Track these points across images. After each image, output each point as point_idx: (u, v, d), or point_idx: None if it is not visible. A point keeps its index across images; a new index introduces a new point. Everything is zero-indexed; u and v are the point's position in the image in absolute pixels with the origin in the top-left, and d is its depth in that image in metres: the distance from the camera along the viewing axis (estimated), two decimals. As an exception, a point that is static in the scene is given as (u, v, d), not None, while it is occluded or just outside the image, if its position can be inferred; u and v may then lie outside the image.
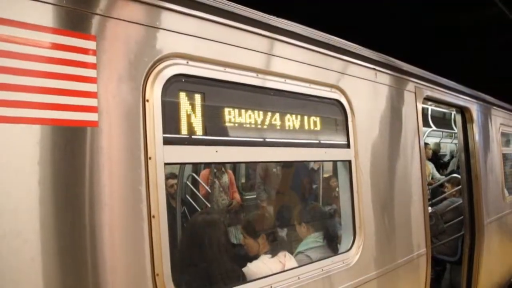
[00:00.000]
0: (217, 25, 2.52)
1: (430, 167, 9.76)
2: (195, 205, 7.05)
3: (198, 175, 7.35)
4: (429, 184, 8.04)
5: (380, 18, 9.37)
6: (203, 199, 7.10)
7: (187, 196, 7.21)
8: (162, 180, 2.16)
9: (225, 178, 7.08)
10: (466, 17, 9.68)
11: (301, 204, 5.53)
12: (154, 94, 2.17)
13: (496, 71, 12.00)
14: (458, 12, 9.36)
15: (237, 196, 7.12)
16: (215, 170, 7.01)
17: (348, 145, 3.41)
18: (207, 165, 6.89)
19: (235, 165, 7.83)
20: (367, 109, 3.68)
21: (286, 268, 3.12)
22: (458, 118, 6.00)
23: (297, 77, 3.05)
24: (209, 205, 6.88)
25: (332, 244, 3.83)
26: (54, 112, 1.81)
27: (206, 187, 7.04)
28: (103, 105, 1.97)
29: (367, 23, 9.24)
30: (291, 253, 3.59)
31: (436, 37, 10.71)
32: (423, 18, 9.73)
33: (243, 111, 2.68)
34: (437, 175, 9.96)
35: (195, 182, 7.40)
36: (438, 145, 12.29)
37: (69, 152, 1.85)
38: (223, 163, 6.76)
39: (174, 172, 6.72)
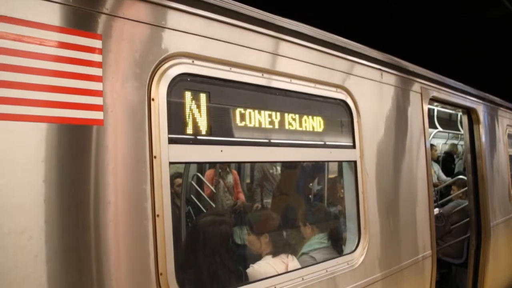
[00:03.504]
0: (222, 25, 2.52)
1: (436, 168, 9.70)
2: (199, 205, 7.05)
3: (203, 174, 7.34)
4: (435, 185, 8.00)
5: (384, 18, 9.34)
6: (207, 199, 7.10)
7: (192, 196, 7.21)
8: (167, 179, 2.16)
9: (230, 178, 7.07)
10: (472, 17, 9.63)
11: (306, 204, 5.51)
12: (160, 93, 2.17)
13: (503, 72, 11.93)
14: (464, 12, 9.32)
15: (241, 196, 7.10)
16: (219, 170, 7.00)
17: (353, 146, 3.40)
18: (212, 164, 6.89)
19: (239, 165, 7.82)
20: (372, 109, 3.67)
21: (289, 269, 3.11)
22: (465, 119, 5.97)
23: (303, 77, 3.04)
24: (213, 205, 6.87)
25: (336, 245, 3.82)
26: (59, 110, 1.82)
27: (211, 187, 7.03)
28: (109, 104, 1.97)
29: (371, 23, 9.22)
30: (295, 254, 3.58)
31: (441, 37, 10.66)
32: (428, 18, 9.69)
33: (248, 111, 2.68)
34: (443, 176, 9.90)
35: (199, 182, 7.40)
36: (455, 146, 12.07)
37: (74, 150, 1.86)
38: (228, 163, 6.76)
39: (180, 171, 6.72)
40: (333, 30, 3.35)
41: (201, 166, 7.38)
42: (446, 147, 12.20)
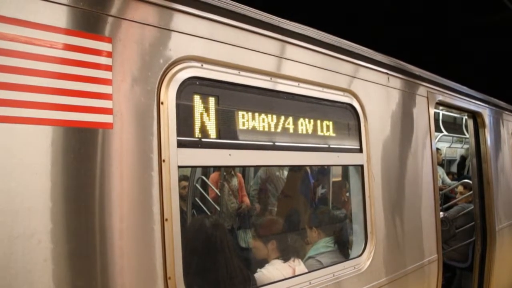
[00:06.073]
0: (231, 28, 2.52)
1: (440, 172, 9.69)
2: (204, 208, 7.04)
3: (208, 178, 7.33)
4: (440, 189, 7.99)
5: (391, 20, 9.33)
6: (212, 202, 7.09)
7: (197, 199, 7.21)
8: (175, 183, 2.16)
9: (235, 181, 7.06)
10: (478, 20, 9.61)
11: (312, 208, 5.50)
12: (169, 96, 2.17)
13: (509, 75, 11.89)
14: (470, 15, 9.30)
15: (246, 199, 7.07)
16: (224, 173, 6.99)
17: (360, 150, 3.39)
18: (217, 168, 6.89)
19: (244, 168, 7.80)
20: (379, 113, 3.66)
21: (296, 273, 3.10)
22: (470, 123, 5.96)
23: (311, 81, 3.04)
24: (218, 209, 6.86)
25: (343, 249, 3.81)
26: (69, 114, 1.81)
27: (216, 190, 7.02)
28: (118, 107, 1.97)
29: (377, 25, 9.21)
30: (302, 258, 3.57)
31: (447, 40, 10.65)
32: (434, 21, 9.68)
33: (256, 114, 2.68)
34: (447, 180, 9.90)
35: (204, 185, 7.39)
36: (467, 150, 12.00)
37: (84, 153, 1.85)
38: (236, 167, 6.76)
39: (186, 174, 6.72)
40: (335, 32, 3.34)
41: (206, 169, 7.36)
42: (462, 151, 12.23)
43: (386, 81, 3.80)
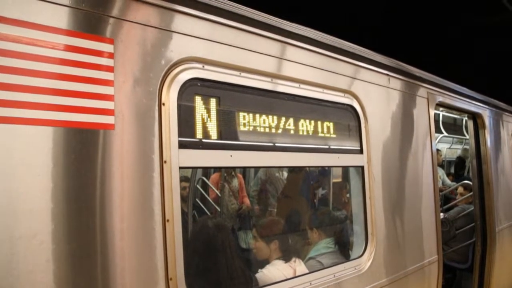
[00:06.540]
0: (232, 30, 2.52)
1: (440, 173, 9.69)
2: (205, 209, 7.04)
3: (208, 179, 7.33)
4: (440, 190, 7.99)
5: (391, 20, 9.33)
6: (213, 203, 7.09)
7: (197, 200, 7.20)
8: (177, 184, 2.16)
9: (235, 182, 7.05)
10: (478, 20, 9.61)
11: (312, 209, 5.51)
12: (170, 97, 2.17)
13: (509, 75, 11.89)
14: (470, 15, 9.30)
15: (246, 200, 7.07)
16: (225, 174, 6.99)
17: (361, 151, 3.40)
18: (217, 169, 6.89)
19: (245, 169, 7.80)
20: (380, 114, 3.67)
21: (297, 274, 3.11)
22: (470, 124, 5.97)
23: (311, 82, 3.04)
24: (219, 209, 6.86)
25: (343, 249, 3.81)
26: (71, 115, 1.82)
27: (216, 191, 7.02)
28: (120, 108, 1.97)
29: (376, 25, 9.21)
30: (302, 258, 3.58)
31: (447, 40, 10.65)
32: (434, 21, 9.68)
33: (257, 115, 2.68)
34: (447, 181, 9.89)
35: (205, 186, 7.38)
36: (467, 151, 11.92)
37: (85, 154, 1.86)
38: (237, 168, 6.76)
39: (186, 175, 6.72)
40: (334, 32, 3.34)
41: (207, 170, 7.36)
42: (459, 152, 12.18)
43: (386, 82, 3.80)
